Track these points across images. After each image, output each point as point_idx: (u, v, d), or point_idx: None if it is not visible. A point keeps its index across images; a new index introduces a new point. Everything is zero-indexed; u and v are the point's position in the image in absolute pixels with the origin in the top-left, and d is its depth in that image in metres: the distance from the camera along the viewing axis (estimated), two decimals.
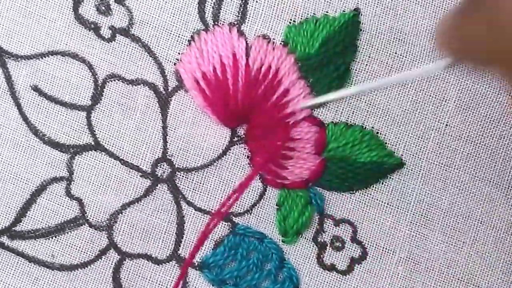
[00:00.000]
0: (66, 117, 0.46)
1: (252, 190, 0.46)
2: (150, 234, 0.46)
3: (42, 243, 0.46)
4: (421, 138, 0.46)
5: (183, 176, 0.46)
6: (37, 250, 0.46)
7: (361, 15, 0.45)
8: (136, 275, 0.46)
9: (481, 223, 0.46)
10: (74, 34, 0.45)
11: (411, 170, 0.46)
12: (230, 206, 0.44)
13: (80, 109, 0.46)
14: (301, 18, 0.45)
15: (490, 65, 0.31)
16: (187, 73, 0.45)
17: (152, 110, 0.46)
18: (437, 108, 0.46)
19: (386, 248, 0.46)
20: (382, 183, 0.46)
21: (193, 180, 0.46)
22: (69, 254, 0.46)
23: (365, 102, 0.45)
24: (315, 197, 0.46)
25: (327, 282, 0.46)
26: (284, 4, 0.45)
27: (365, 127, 0.46)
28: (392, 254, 0.46)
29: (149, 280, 0.46)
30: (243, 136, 0.46)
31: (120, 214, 0.46)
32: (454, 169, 0.45)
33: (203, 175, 0.46)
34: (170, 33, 0.45)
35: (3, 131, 0.45)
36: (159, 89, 0.45)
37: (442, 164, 0.46)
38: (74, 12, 0.45)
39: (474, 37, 0.30)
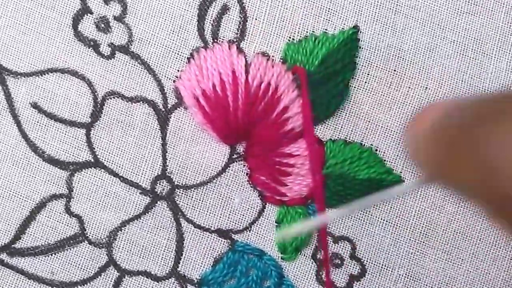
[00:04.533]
0: (65, 134, 0.46)
1: (251, 207, 0.46)
2: (149, 251, 0.46)
3: (41, 260, 0.46)
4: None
5: (182, 193, 0.46)
6: (36, 267, 0.46)
7: (360, 32, 0.45)
8: None
9: (479, 240, 0.46)
10: (73, 51, 0.45)
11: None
12: None
13: (79, 126, 0.46)
14: (300, 36, 0.45)
15: (473, 201, 0.28)
16: (187, 91, 0.45)
17: (152, 127, 0.46)
18: None
19: (385, 265, 0.46)
20: (381, 200, 0.46)
21: (192, 197, 0.46)
22: (68, 271, 0.46)
23: (364, 119, 0.46)
24: (314, 214, 0.46)
25: None
26: (283, 21, 0.45)
27: (364, 144, 0.46)
28: (391, 271, 0.46)
29: None
30: (243, 153, 0.46)
31: (120, 231, 0.46)
32: None
33: (202, 192, 0.46)
34: (170, 51, 0.45)
35: (3, 148, 0.46)
36: (158, 106, 0.46)
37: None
38: (74, 29, 0.45)
39: (458, 175, 0.26)
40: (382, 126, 0.46)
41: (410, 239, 0.46)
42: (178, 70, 0.45)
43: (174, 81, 0.46)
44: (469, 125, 0.27)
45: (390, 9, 0.45)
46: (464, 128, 0.27)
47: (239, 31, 0.45)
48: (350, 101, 0.46)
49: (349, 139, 0.46)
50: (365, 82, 0.45)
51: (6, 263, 0.46)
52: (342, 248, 0.46)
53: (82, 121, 0.46)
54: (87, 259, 0.46)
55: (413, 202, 0.46)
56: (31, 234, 0.46)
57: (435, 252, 0.46)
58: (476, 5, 0.45)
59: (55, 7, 0.45)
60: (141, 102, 0.45)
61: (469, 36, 0.45)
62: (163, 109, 0.46)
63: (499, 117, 0.26)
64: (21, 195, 0.46)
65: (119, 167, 0.46)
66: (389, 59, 0.45)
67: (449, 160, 0.27)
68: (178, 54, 0.45)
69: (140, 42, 0.45)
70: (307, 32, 0.45)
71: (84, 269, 0.46)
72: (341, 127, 0.46)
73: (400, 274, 0.46)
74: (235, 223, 0.46)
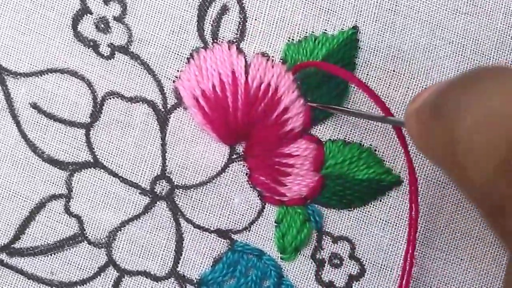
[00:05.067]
0: (65, 134, 0.46)
1: (251, 207, 0.46)
2: (149, 251, 0.46)
3: (41, 260, 0.46)
4: (419, 155, 0.46)
5: (182, 193, 0.46)
6: (36, 267, 0.46)
7: (360, 33, 0.45)
8: None
9: (478, 240, 0.46)
10: (73, 52, 0.45)
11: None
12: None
13: (79, 126, 0.46)
14: (300, 36, 0.45)
15: (441, 168, 0.32)
16: (186, 91, 0.45)
17: (151, 127, 0.46)
18: None
19: (384, 265, 0.46)
20: (380, 201, 0.46)
21: (192, 197, 0.46)
22: (68, 271, 0.46)
23: (363, 120, 0.46)
24: (314, 214, 0.46)
25: None
26: (282, 22, 0.45)
27: (363, 145, 0.46)
28: (390, 271, 0.46)
29: None
30: (242, 153, 0.46)
31: (119, 231, 0.46)
32: (452, 186, 0.46)
33: (202, 192, 0.46)
34: (169, 51, 0.45)
35: (2, 148, 0.46)
36: (158, 106, 0.46)
37: (440, 181, 0.46)
38: (73, 29, 0.45)
39: (433, 142, 0.31)
40: (381, 126, 0.46)
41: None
42: (178, 71, 0.46)
43: (173, 82, 0.46)
44: (439, 101, 0.31)
45: (389, 9, 0.45)
46: (436, 103, 0.31)
47: (239, 31, 0.45)
48: (350, 101, 0.46)
49: (348, 139, 0.46)
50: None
51: (6, 263, 0.46)
52: (342, 248, 0.46)
53: (81, 121, 0.46)
54: (86, 259, 0.46)
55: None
56: (30, 234, 0.46)
57: (434, 252, 0.46)
58: (475, 6, 0.45)
59: (55, 7, 0.45)
60: (141, 102, 0.46)
61: (468, 37, 0.45)
62: (162, 110, 0.46)
63: (465, 87, 0.30)
64: (20, 195, 0.46)
65: (119, 167, 0.46)
66: (388, 60, 0.46)
67: (423, 134, 0.32)
68: (177, 54, 0.45)
69: (140, 43, 0.45)
70: (307, 32, 0.45)
71: (83, 269, 0.46)
72: (340, 127, 0.46)
73: (399, 275, 0.46)
74: (235, 223, 0.46)
